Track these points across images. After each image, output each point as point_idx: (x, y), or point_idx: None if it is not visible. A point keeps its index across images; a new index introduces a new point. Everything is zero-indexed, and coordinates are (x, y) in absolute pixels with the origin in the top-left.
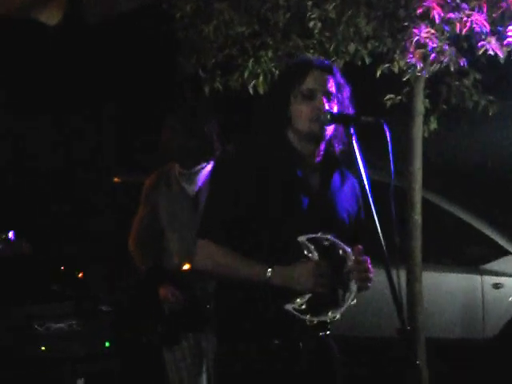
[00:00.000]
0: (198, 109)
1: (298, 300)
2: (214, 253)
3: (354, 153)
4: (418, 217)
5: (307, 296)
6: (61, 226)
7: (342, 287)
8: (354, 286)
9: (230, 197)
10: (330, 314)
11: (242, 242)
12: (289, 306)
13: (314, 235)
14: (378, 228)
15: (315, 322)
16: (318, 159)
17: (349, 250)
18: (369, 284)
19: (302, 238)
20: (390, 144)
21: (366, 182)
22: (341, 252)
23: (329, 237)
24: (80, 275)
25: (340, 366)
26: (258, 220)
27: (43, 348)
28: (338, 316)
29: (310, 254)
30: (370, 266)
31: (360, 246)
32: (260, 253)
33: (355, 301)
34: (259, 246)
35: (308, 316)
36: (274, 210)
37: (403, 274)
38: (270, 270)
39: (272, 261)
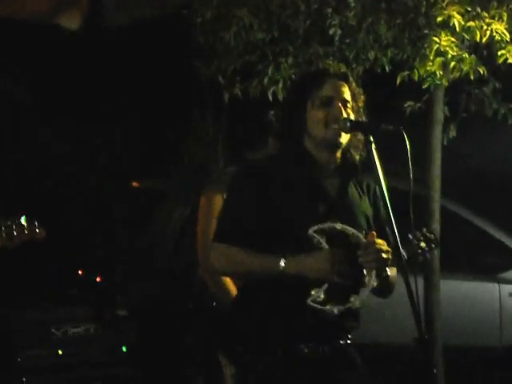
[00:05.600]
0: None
1: (313, 292)
2: (227, 252)
3: (374, 160)
4: (436, 225)
5: (324, 286)
6: (81, 230)
7: (358, 272)
8: (372, 269)
9: (245, 203)
10: (351, 300)
11: (257, 242)
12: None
13: (322, 225)
14: (397, 236)
15: (337, 313)
16: (335, 166)
17: (358, 233)
18: (386, 262)
19: (310, 231)
20: (408, 152)
21: (384, 190)
22: (351, 235)
23: (337, 224)
24: (98, 279)
25: (364, 375)
26: (273, 227)
27: (60, 352)
28: (358, 303)
29: (321, 245)
30: (382, 246)
31: (373, 232)
32: (274, 251)
33: (376, 283)
34: (274, 244)
35: (328, 306)
36: (290, 217)
37: (421, 282)
38: (282, 260)
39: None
